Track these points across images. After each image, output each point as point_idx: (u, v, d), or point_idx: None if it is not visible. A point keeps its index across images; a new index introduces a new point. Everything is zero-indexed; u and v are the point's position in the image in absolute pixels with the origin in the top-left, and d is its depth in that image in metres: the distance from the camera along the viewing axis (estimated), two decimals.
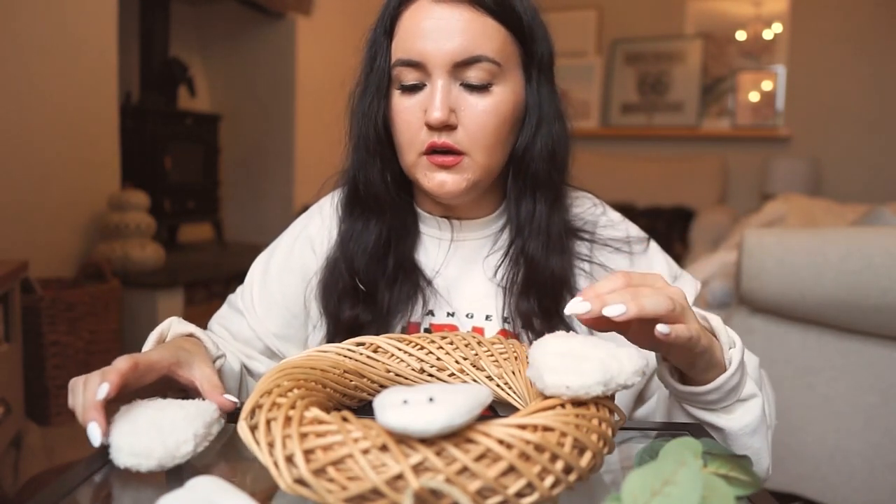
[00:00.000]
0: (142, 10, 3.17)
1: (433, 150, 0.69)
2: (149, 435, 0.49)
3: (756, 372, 0.70)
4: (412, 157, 0.71)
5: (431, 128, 0.68)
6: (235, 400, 0.59)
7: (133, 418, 0.52)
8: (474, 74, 0.68)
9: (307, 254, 0.82)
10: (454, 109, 0.68)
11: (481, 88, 0.68)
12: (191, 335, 0.70)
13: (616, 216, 0.83)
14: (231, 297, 0.86)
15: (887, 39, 3.69)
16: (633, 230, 0.82)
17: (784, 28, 3.96)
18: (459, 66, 0.67)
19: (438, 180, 0.70)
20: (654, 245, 0.82)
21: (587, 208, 0.82)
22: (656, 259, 0.80)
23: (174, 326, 0.69)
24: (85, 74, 2.55)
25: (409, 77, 0.69)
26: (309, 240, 0.82)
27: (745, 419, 0.61)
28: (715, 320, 0.61)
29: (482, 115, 0.68)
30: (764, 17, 4.01)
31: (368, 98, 0.72)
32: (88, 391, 0.55)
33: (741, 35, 4.06)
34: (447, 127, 0.68)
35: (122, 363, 0.57)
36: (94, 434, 0.52)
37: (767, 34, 4.00)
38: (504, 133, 0.71)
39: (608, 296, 0.51)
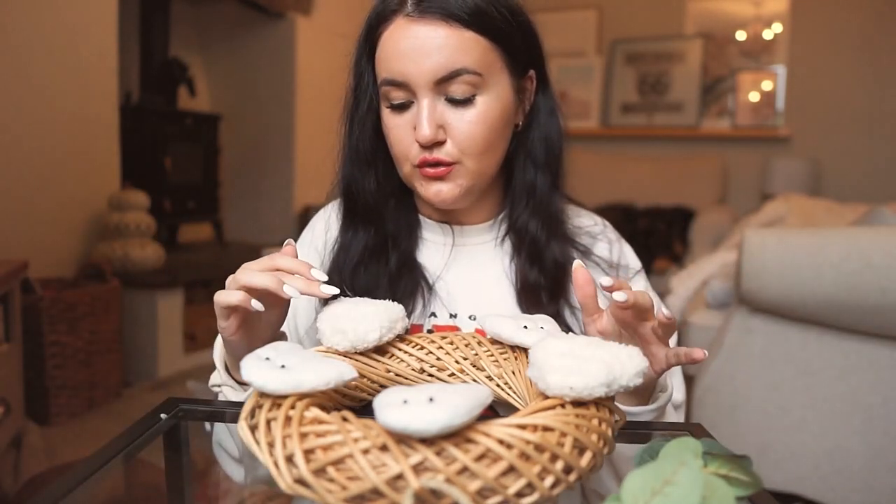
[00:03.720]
0: (142, 10, 3.17)
1: (425, 164, 0.70)
2: (345, 320, 0.60)
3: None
4: (407, 168, 0.72)
5: (422, 145, 0.69)
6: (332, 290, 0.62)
7: (334, 308, 0.62)
8: (457, 88, 0.68)
9: (320, 249, 0.83)
10: (441, 125, 0.69)
11: (465, 101, 0.69)
12: None
13: (614, 235, 0.84)
14: None
15: (887, 39, 3.69)
16: (630, 257, 0.83)
17: (784, 28, 3.96)
18: (441, 83, 0.68)
19: (434, 190, 0.71)
20: (641, 276, 0.83)
21: (588, 225, 0.83)
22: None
23: None
24: (85, 74, 2.55)
25: (396, 96, 0.70)
26: (324, 232, 0.83)
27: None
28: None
29: (469, 126, 0.69)
30: (764, 17, 4.01)
31: (360, 113, 0.74)
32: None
33: (741, 35, 4.07)
34: (436, 143, 0.69)
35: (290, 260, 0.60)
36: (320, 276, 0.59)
37: (767, 34, 4.00)
38: (493, 139, 0.72)
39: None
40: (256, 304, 0.58)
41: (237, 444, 0.71)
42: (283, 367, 0.46)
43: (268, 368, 0.46)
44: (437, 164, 0.70)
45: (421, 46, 0.67)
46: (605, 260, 0.80)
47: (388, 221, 0.77)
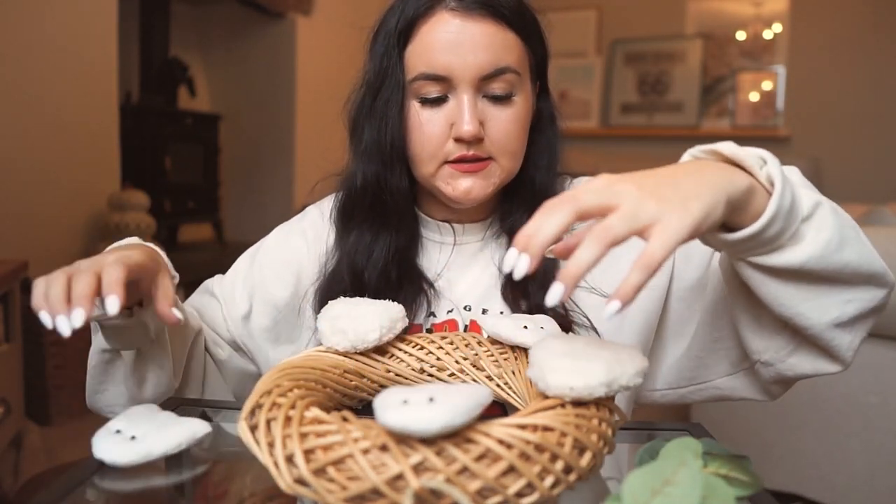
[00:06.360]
0: (142, 10, 3.17)
1: (462, 161, 0.70)
2: (345, 320, 0.60)
3: (805, 180, 0.59)
4: (433, 167, 0.71)
5: (461, 141, 0.69)
6: (181, 317, 0.60)
7: (334, 308, 0.63)
8: (498, 86, 0.69)
9: (300, 247, 0.81)
10: (481, 121, 0.69)
11: (504, 99, 0.70)
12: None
13: (578, 181, 0.82)
14: (206, 283, 0.85)
15: (887, 40, 3.69)
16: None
17: (784, 28, 3.96)
18: (485, 79, 0.68)
19: (464, 187, 0.71)
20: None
21: (562, 189, 0.81)
22: None
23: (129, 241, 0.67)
24: (85, 74, 2.55)
25: (432, 90, 0.69)
26: (302, 233, 0.82)
27: (822, 235, 0.52)
28: (728, 147, 0.52)
29: (507, 124, 0.70)
30: (764, 17, 4.01)
31: (387, 109, 0.72)
32: (80, 285, 0.54)
33: (741, 35, 4.07)
34: (476, 140, 0.69)
35: (116, 272, 0.55)
36: (113, 304, 0.53)
37: (767, 34, 4.00)
38: (524, 139, 0.73)
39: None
40: (112, 306, 0.54)
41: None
42: (133, 437, 0.49)
43: (116, 443, 0.49)
44: (473, 159, 0.70)
45: (467, 41, 0.67)
46: None
47: (399, 225, 0.76)
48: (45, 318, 0.52)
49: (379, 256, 0.75)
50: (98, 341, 0.67)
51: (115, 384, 0.70)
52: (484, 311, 0.76)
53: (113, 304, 0.53)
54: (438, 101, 0.70)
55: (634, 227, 0.43)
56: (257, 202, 3.80)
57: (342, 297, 0.66)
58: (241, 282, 0.81)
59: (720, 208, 0.46)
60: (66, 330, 0.52)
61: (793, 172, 0.59)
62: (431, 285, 0.76)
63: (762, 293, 0.56)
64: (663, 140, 4.27)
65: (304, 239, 0.82)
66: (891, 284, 0.58)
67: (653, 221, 0.43)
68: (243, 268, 0.83)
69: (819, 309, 0.56)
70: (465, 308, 0.76)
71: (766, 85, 4.01)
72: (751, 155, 0.52)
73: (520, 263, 0.43)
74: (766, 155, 0.52)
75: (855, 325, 0.58)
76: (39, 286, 0.54)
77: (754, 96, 4.04)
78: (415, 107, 0.71)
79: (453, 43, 0.67)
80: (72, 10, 2.47)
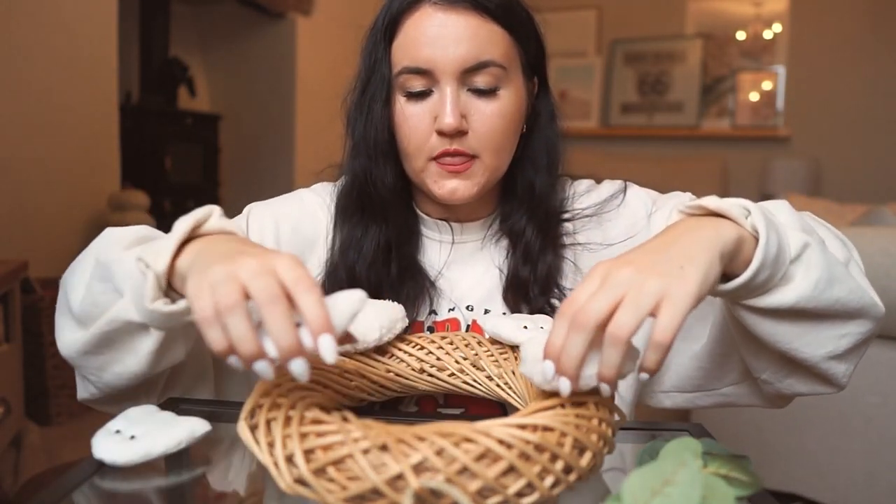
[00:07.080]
0: (142, 10, 3.17)
1: (445, 156, 0.70)
2: None
3: (795, 217, 0.60)
4: (421, 162, 0.71)
5: (443, 134, 0.69)
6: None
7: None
8: (482, 79, 0.69)
9: (314, 225, 0.81)
10: (464, 115, 0.69)
11: (489, 93, 0.69)
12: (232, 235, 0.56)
13: (583, 186, 0.82)
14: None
15: (887, 40, 3.69)
16: (605, 190, 0.81)
17: (784, 28, 3.96)
18: (468, 72, 0.68)
19: (450, 187, 0.71)
20: (629, 192, 0.81)
21: (563, 191, 0.82)
22: (625, 212, 0.79)
23: (214, 220, 0.57)
24: (85, 74, 2.55)
25: (416, 84, 0.69)
26: (311, 215, 0.82)
27: (811, 275, 0.54)
28: (712, 201, 0.54)
29: (491, 118, 0.69)
30: (764, 17, 4.01)
31: (373, 104, 0.72)
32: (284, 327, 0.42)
33: (741, 35, 4.07)
34: (458, 133, 0.69)
35: (319, 305, 0.43)
36: (328, 350, 0.42)
37: (767, 34, 4.00)
38: (510, 135, 0.72)
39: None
40: (235, 362, 0.43)
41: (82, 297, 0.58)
42: (132, 437, 0.50)
43: (116, 443, 0.50)
44: (456, 154, 0.69)
45: (450, 34, 0.67)
46: (586, 208, 0.79)
47: (392, 220, 0.76)
48: (235, 363, 0.43)
49: (368, 250, 0.75)
50: (123, 312, 0.55)
51: (131, 356, 0.59)
52: (486, 312, 0.76)
53: (329, 352, 0.42)
54: (423, 95, 0.70)
55: (643, 313, 0.44)
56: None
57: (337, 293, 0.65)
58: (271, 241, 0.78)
59: (716, 265, 0.49)
60: (269, 374, 0.43)
61: (781, 209, 0.60)
62: (433, 283, 0.77)
63: (758, 332, 0.59)
64: (663, 140, 4.27)
65: (314, 217, 0.81)
66: (881, 315, 0.60)
67: (658, 299, 0.45)
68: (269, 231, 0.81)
69: (814, 344, 0.58)
70: (467, 308, 0.77)
71: (766, 85, 4.01)
72: (734, 206, 0.54)
73: (562, 387, 0.45)
74: (749, 204, 0.54)
75: (849, 356, 0.61)
76: (214, 331, 0.43)
77: (754, 96, 4.04)
78: (401, 101, 0.71)
79: (436, 36, 0.67)
80: (72, 10, 2.47)
